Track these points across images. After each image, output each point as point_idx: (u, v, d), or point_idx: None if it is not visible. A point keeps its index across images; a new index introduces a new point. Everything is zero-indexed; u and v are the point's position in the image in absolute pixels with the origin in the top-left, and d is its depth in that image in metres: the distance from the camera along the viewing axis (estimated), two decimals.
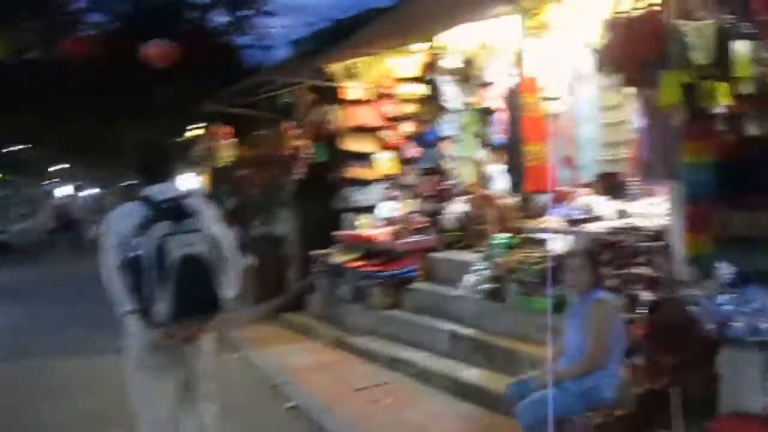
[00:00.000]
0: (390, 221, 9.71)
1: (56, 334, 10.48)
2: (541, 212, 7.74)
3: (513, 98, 7.32)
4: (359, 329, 8.87)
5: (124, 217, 4.15)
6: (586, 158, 7.33)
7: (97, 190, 39.13)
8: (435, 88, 9.29)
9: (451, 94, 8.99)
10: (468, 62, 8.64)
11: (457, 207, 9.25)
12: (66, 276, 16.63)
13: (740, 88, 3.80)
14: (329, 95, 10.10)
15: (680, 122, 4.20)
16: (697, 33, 3.75)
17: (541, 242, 7.14)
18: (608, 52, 4.13)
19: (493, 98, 8.44)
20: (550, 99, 7.40)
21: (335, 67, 9.65)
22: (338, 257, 9.85)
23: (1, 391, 7.81)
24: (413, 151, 10.09)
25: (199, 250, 4.12)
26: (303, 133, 10.48)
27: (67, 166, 32.86)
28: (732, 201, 4.70)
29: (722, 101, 3.75)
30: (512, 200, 8.29)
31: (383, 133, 10.31)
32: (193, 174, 15.33)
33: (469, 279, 7.58)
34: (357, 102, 10.12)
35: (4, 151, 26.33)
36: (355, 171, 10.35)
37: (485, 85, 8.67)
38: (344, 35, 8.74)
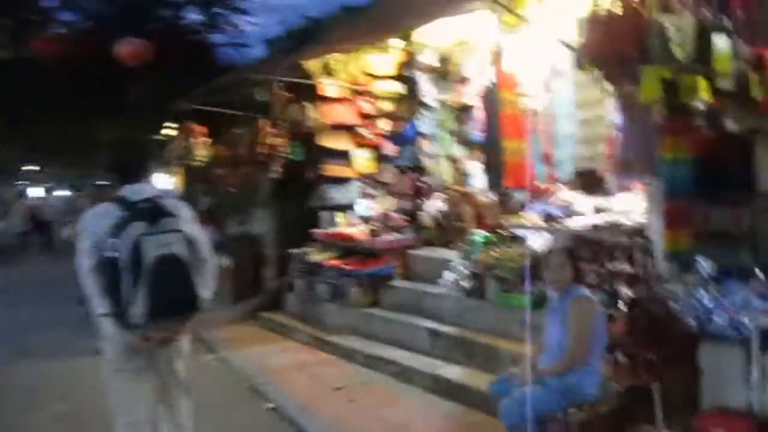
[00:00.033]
0: (368, 219, 9.69)
1: (31, 336, 10.32)
2: (519, 209, 7.75)
3: (490, 95, 7.28)
4: (338, 328, 8.82)
5: (100, 218, 4.10)
6: (563, 155, 7.30)
7: (69, 191, 38.76)
8: (412, 85, 9.24)
9: (428, 91, 8.95)
10: (445, 59, 8.60)
11: (435, 204, 9.23)
12: (39, 278, 16.41)
13: (720, 83, 3.80)
14: (306, 93, 10.02)
15: (659, 118, 4.19)
16: (678, 28, 3.74)
17: (520, 239, 7.14)
18: (588, 47, 4.12)
19: (471, 95, 8.41)
20: (527, 95, 7.38)
21: (311, 65, 9.57)
22: (316, 256, 9.81)
23: None
24: (390, 148, 10.04)
25: (176, 251, 4.07)
26: (279, 131, 10.40)
27: (37, 167, 32.47)
28: (711, 197, 4.71)
29: (702, 97, 3.74)
30: (490, 197, 8.28)
31: (360, 131, 10.25)
32: (167, 173, 15.19)
33: (449, 276, 7.58)
34: (334, 99, 10.04)
35: None
36: (332, 169, 10.27)
37: (462, 81, 8.65)
38: (320, 32, 8.68)
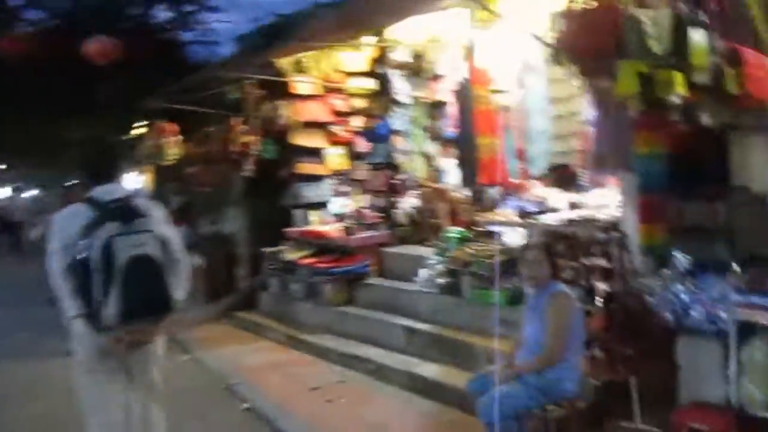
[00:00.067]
0: (342, 217, 9.65)
1: (1, 338, 10.16)
2: (493, 205, 7.76)
3: (463, 91, 7.27)
4: (313, 327, 8.77)
5: (70, 219, 4.03)
6: (537, 150, 7.33)
7: (37, 191, 38.28)
8: (385, 83, 9.21)
9: (402, 88, 8.93)
10: (418, 56, 8.59)
11: (410, 201, 9.22)
12: (8, 279, 16.17)
13: (696, 77, 3.80)
14: (278, 90, 9.95)
15: (635, 113, 4.18)
16: (654, 22, 3.73)
17: (495, 235, 7.13)
18: (564, 42, 4.10)
19: (444, 92, 8.41)
20: (500, 92, 7.39)
21: (283, 62, 9.50)
22: (290, 254, 9.76)
23: None
24: (364, 145, 10.01)
25: (149, 251, 4.02)
26: (251, 129, 10.32)
27: (4, 166, 32.06)
28: (687, 191, 4.72)
29: (678, 91, 3.74)
30: (464, 194, 8.27)
31: (333, 128, 10.22)
32: (138, 173, 15.05)
33: (424, 273, 7.56)
34: (306, 97, 10.00)
35: None
36: (306, 167, 10.23)
37: (435, 78, 8.64)
38: (291, 30, 8.61)
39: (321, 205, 10.23)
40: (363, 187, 9.99)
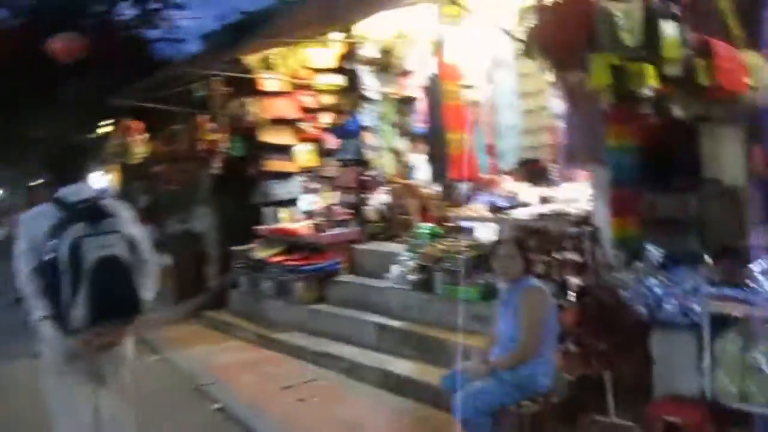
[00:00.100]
0: (312, 214, 9.59)
1: None
2: (464, 201, 7.74)
3: (433, 87, 7.24)
4: (284, 325, 8.70)
5: (37, 220, 3.96)
6: (507, 145, 7.31)
7: (0, 191, 37.73)
8: (354, 79, 9.15)
9: (370, 84, 8.88)
10: (386, 51, 8.53)
11: (380, 198, 9.18)
12: None
13: (668, 70, 3.79)
14: (245, 87, 9.87)
15: (606, 106, 4.17)
16: (626, 15, 3.72)
17: (466, 231, 7.12)
18: (536, 36, 4.08)
19: (413, 87, 8.37)
20: (470, 87, 7.37)
21: (250, 59, 9.41)
22: (260, 252, 9.68)
23: None
24: (333, 142, 9.95)
25: (117, 252, 3.96)
26: (219, 127, 10.22)
27: None
28: (658, 184, 4.73)
29: (650, 83, 3.73)
30: (435, 189, 8.25)
31: (302, 125, 10.15)
32: (105, 172, 14.85)
33: (395, 270, 7.52)
34: (274, 93, 9.93)
35: None
36: (275, 164, 10.16)
37: (404, 74, 8.60)
38: (258, 26, 8.52)
39: (290, 203, 10.15)
40: (333, 184, 9.92)
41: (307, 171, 10.23)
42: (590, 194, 5.65)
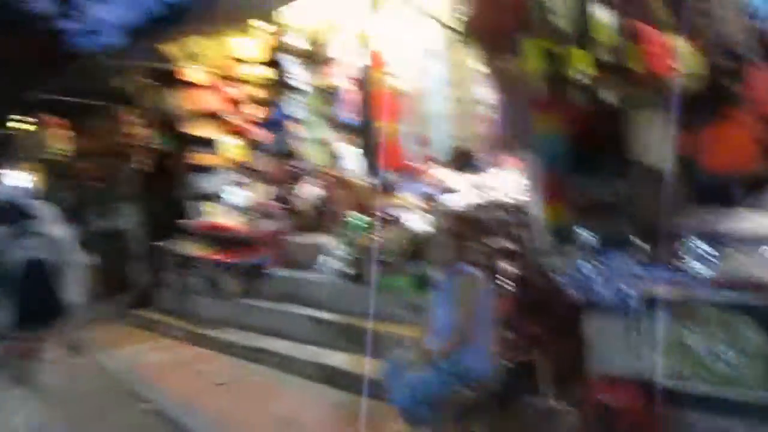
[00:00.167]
0: (241, 208, 9.44)
1: None
2: (396, 191, 7.71)
3: (363, 76, 7.20)
4: (214, 321, 8.58)
5: None
6: (437, 134, 7.29)
7: None
8: (280, 69, 9.03)
9: (298, 74, 8.76)
10: (314, 41, 8.44)
11: (310, 190, 9.09)
12: None
13: (599, 54, 3.82)
14: (168, 79, 9.66)
15: (537, 92, 4.18)
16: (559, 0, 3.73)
17: (399, 221, 7.09)
18: (470, 21, 4.07)
19: (341, 77, 8.29)
20: (400, 76, 7.34)
21: (173, 50, 9.21)
22: (188, 248, 9.49)
23: None
24: (261, 134, 9.80)
25: (40, 255, 3.81)
26: (142, 120, 9.97)
27: None
28: (589, 169, 4.77)
29: (583, 68, 3.75)
30: (366, 180, 8.20)
31: (228, 118, 9.97)
32: (24, 170, 14.36)
33: (328, 262, 7.46)
34: (198, 86, 9.73)
35: None
36: (201, 157, 9.98)
37: (332, 64, 8.51)
38: (179, 16, 8.36)
39: (217, 197, 9.98)
40: (262, 177, 9.78)
41: (235, 164, 10.05)
42: (522, 181, 5.68)
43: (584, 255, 4.63)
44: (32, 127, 12.22)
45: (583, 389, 4.48)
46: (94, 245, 10.41)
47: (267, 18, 8.43)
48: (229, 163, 10.03)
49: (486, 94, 5.91)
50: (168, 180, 10.17)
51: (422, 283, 6.20)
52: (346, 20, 7.66)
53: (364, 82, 7.11)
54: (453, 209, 6.27)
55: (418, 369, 4.49)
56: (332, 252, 7.48)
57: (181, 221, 9.92)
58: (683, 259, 4.27)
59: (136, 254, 10.86)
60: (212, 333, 8.30)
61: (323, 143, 8.84)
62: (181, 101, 9.69)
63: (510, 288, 5.07)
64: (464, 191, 6.89)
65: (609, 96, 4.08)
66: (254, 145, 9.98)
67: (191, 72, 9.60)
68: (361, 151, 7.64)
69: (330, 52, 8.39)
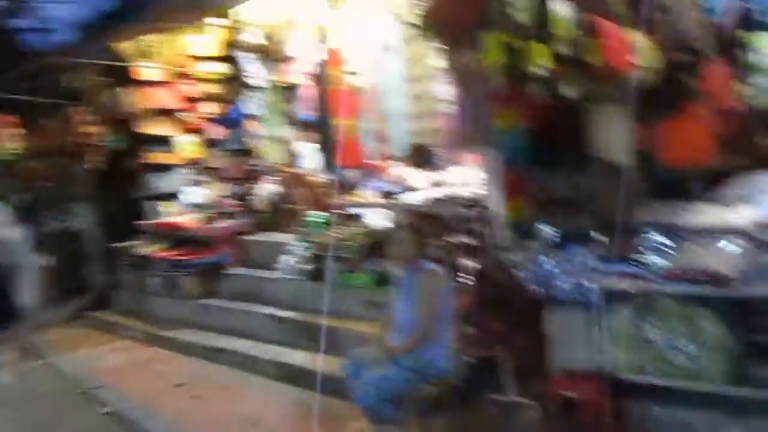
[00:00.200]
0: (199, 207, 9.33)
1: None
2: (354, 188, 7.68)
3: (320, 73, 7.15)
4: (173, 322, 8.48)
5: None
6: (396, 131, 7.30)
7: None
8: (236, 66, 8.95)
9: (254, 71, 8.70)
10: (270, 38, 8.37)
11: (268, 188, 9.01)
12: None
13: (559, 49, 3.81)
14: (121, 77, 9.50)
15: (497, 87, 4.17)
16: None
17: (358, 218, 7.06)
18: (429, 16, 4.05)
19: (298, 74, 8.24)
20: (357, 73, 7.31)
21: (126, 47, 9.07)
22: (145, 248, 9.36)
23: None
24: (218, 132, 9.70)
25: None
26: (95, 119, 9.80)
27: None
28: (549, 164, 4.78)
29: (542, 62, 3.75)
30: (324, 177, 8.16)
31: (184, 115, 9.85)
32: None
33: (287, 260, 7.41)
34: (152, 83, 9.60)
35: None
36: (156, 156, 9.85)
37: (289, 60, 8.45)
38: (133, 12, 8.23)
39: (174, 196, 9.85)
40: (220, 175, 9.68)
41: (192, 162, 9.94)
42: (482, 177, 5.67)
43: (544, 250, 4.64)
44: None
45: (544, 384, 4.49)
46: (48, 247, 10.25)
47: (223, 15, 8.34)
48: (186, 161, 9.91)
49: (444, 90, 5.90)
50: (124, 179, 10.00)
51: (382, 280, 6.19)
52: (303, 17, 7.61)
53: (322, 79, 7.08)
54: (412, 206, 6.25)
55: (379, 366, 4.47)
56: (291, 250, 7.42)
57: (137, 221, 9.77)
58: (642, 252, 4.29)
59: (93, 255, 10.69)
60: (171, 333, 8.19)
61: (281, 140, 8.80)
62: (136, 99, 9.55)
63: (471, 284, 5.06)
64: (424, 188, 6.88)
65: (568, 90, 4.08)
66: (211, 143, 9.89)
67: (146, 70, 9.45)
68: (319, 148, 7.59)
69: (287, 49, 8.34)
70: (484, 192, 5.53)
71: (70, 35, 11.11)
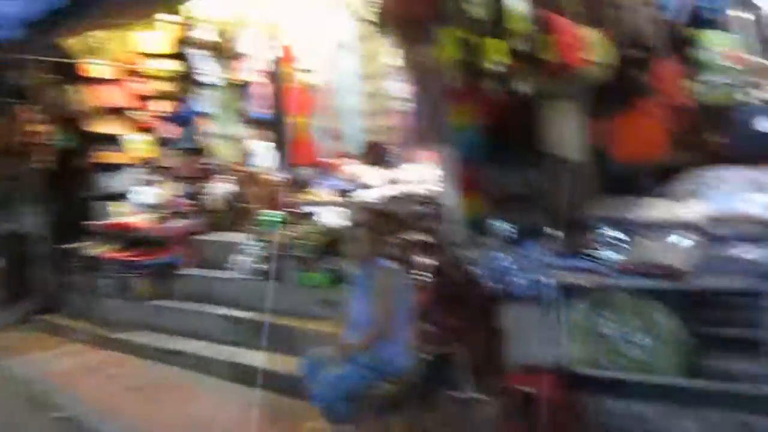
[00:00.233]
0: (151, 207, 9.19)
1: None
2: (309, 186, 7.65)
3: (273, 70, 7.10)
4: (125, 324, 8.33)
5: None
6: (350, 129, 7.27)
7: None
8: (189, 63, 8.84)
9: (206, 68, 8.60)
10: (223, 34, 8.29)
11: (222, 187, 8.93)
12: None
13: (514, 44, 3.82)
14: (70, 74, 9.32)
15: (453, 83, 4.17)
16: None
17: (313, 216, 7.02)
18: (384, 11, 4.03)
19: (251, 71, 8.17)
20: (312, 70, 7.28)
21: (74, 43, 8.91)
22: (96, 249, 9.19)
23: None
24: (170, 131, 9.57)
25: None
26: (44, 117, 9.60)
27: None
28: (504, 161, 4.80)
29: (498, 58, 3.75)
30: (278, 175, 8.10)
31: (134, 114, 9.70)
32: None
33: (242, 260, 7.35)
34: (102, 81, 9.44)
35: None
36: (107, 155, 9.69)
37: (242, 58, 8.37)
38: (81, 8, 8.07)
39: (126, 196, 9.70)
40: (171, 174, 9.55)
41: (143, 162, 9.79)
42: (437, 174, 5.68)
43: (500, 246, 4.67)
44: None
45: (501, 379, 4.52)
46: None
47: (174, 11, 8.23)
48: (137, 160, 9.76)
49: (399, 87, 5.89)
50: (73, 179, 9.81)
51: (338, 279, 6.16)
52: (257, 13, 7.54)
53: (275, 77, 7.03)
54: (368, 204, 6.23)
55: (336, 365, 4.44)
56: (245, 249, 7.36)
57: (87, 221, 9.59)
58: (596, 247, 4.34)
59: (41, 257, 10.45)
60: (124, 336, 8.05)
61: (234, 139, 8.71)
62: (85, 97, 9.38)
63: (427, 281, 5.06)
64: (379, 185, 6.88)
65: (523, 87, 4.09)
66: (162, 142, 9.76)
67: (95, 67, 9.29)
68: (272, 146, 7.53)
69: (240, 46, 8.26)
70: (440, 189, 5.53)
71: (17, 32, 10.85)
